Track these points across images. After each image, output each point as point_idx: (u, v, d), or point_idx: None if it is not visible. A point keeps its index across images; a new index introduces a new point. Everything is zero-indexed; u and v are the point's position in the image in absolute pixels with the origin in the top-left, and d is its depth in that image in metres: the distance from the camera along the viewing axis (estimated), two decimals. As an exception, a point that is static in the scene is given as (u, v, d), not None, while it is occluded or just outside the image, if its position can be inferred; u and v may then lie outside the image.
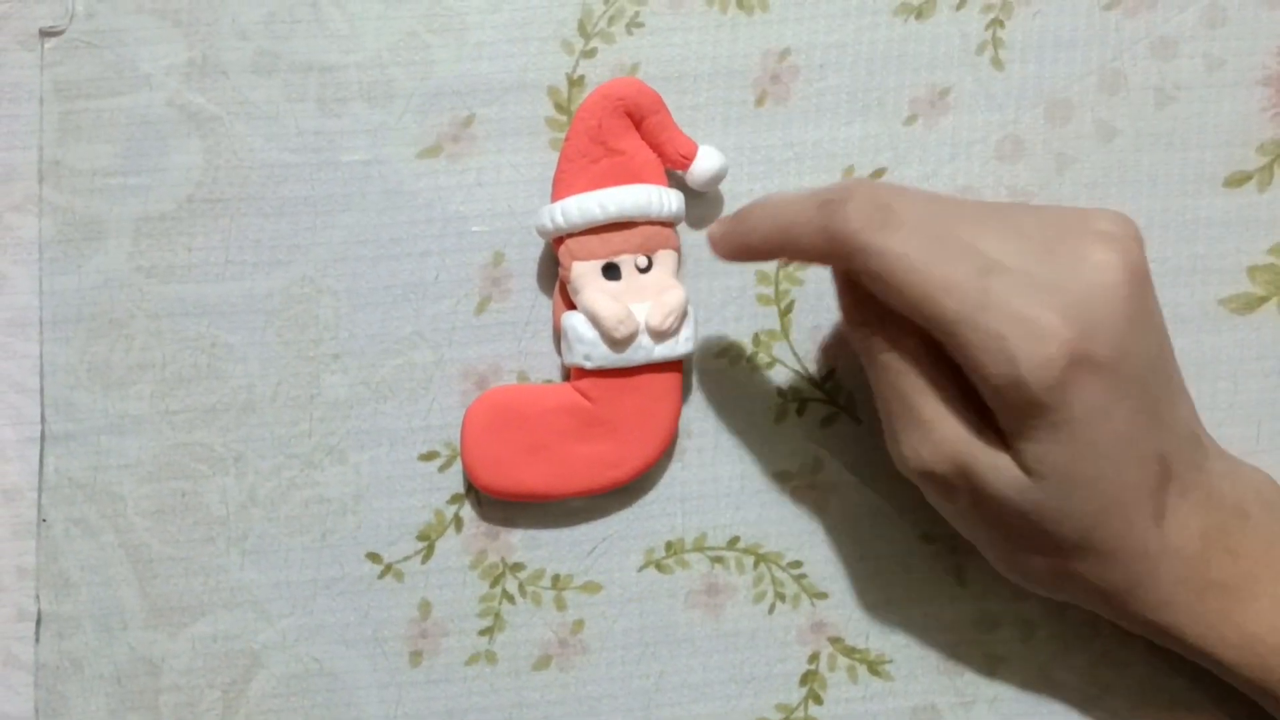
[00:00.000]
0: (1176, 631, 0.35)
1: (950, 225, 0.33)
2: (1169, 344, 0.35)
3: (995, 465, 0.34)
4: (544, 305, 0.40)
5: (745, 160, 0.40)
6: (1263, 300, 0.42)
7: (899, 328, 0.34)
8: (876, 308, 0.34)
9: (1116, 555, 0.34)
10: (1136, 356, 0.33)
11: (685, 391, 0.40)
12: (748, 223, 0.35)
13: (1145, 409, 0.33)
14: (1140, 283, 0.33)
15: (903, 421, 0.35)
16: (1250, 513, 0.35)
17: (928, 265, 0.32)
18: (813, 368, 0.41)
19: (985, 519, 0.35)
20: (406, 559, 0.40)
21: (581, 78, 0.39)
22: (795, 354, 0.41)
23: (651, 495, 0.41)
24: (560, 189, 0.38)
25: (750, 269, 0.40)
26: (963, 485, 0.34)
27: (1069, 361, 0.31)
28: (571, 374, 0.39)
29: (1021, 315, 0.31)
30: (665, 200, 0.38)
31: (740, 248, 0.35)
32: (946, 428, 0.34)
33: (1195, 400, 0.42)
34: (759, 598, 0.41)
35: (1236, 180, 0.42)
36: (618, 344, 0.38)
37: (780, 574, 0.41)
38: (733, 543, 0.41)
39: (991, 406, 0.33)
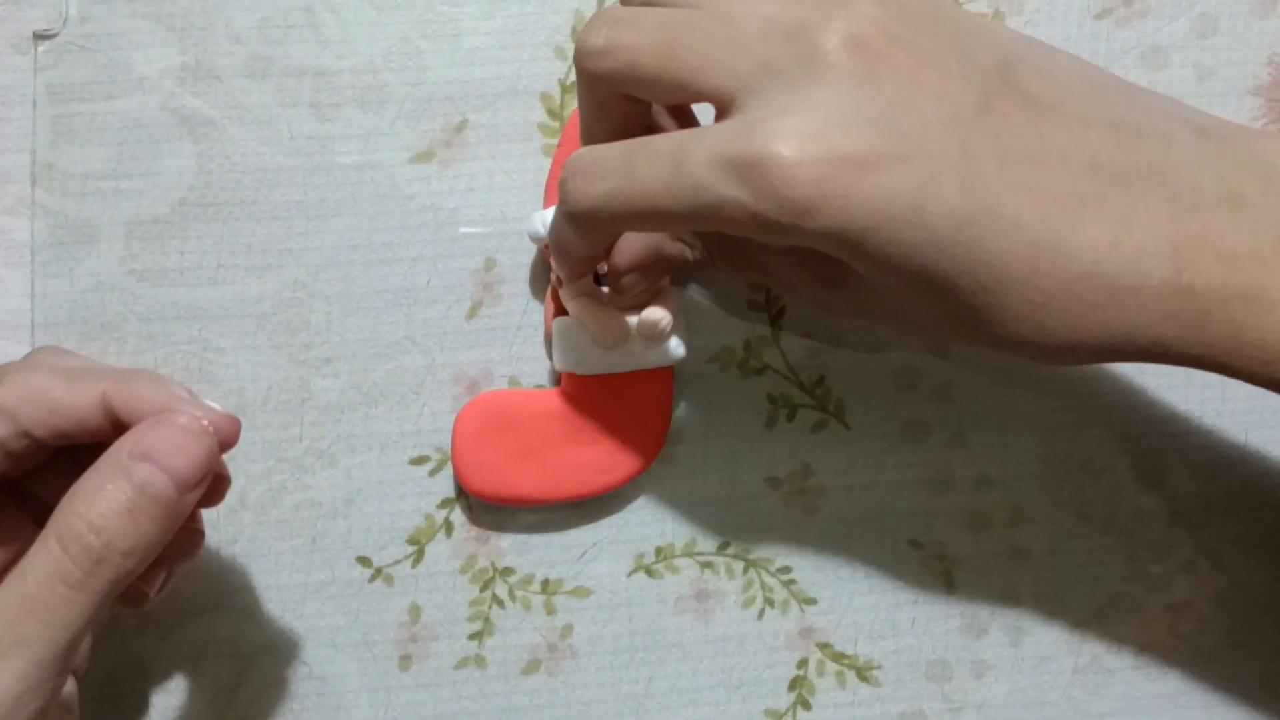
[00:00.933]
0: (1177, 357, 0.29)
1: None
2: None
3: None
4: (535, 310, 0.40)
5: (737, 167, 0.40)
6: (1251, 309, 0.42)
7: None
8: None
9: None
10: (942, 62, 0.28)
11: (675, 397, 0.40)
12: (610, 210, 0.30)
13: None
14: (880, 58, 0.28)
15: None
16: (1245, 197, 0.29)
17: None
18: (803, 374, 0.41)
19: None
20: (396, 563, 0.40)
21: (574, 84, 0.39)
22: (785, 360, 0.41)
23: (641, 500, 0.41)
24: (552, 195, 0.38)
25: (741, 276, 0.41)
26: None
27: (816, 171, 0.26)
28: (562, 379, 0.39)
29: (761, 135, 0.27)
30: (657, 207, 0.38)
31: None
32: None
33: (1184, 410, 0.42)
34: (748, 603, 0.41)
35: (1226, 190, 0.42)
36: (608, 349, 0.38)
37: (769, 579, 0.41)
38: (722, 548, 0.41)
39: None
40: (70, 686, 0.34)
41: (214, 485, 0.32)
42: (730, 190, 0.27)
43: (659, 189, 0.28)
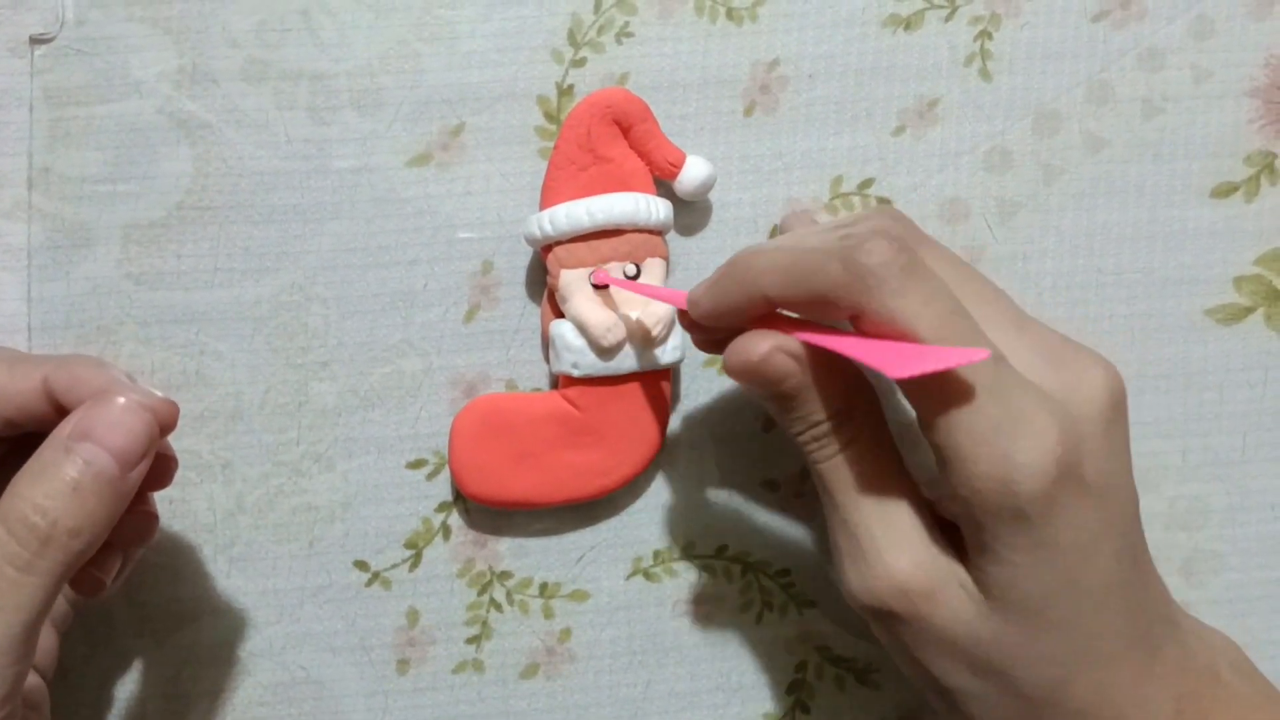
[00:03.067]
0: None
1: (966, 297, 0.31)
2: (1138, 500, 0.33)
3: (952, 588, 0.31)
4: (532, 313, 0.40)
5: (734, 170, 0.40)
6: (1249, 311, 0.42)
7: (858, 427, 0.32)
8: (843, 398, 0.32)
9: (1086, 714, 0.31)
10: (1121, 491, 0.31)
11: (673, 400, 0.40)
12: (751, 268, 0.32)
13: (1129, 552, 0.31)
14: (1124, 419, 0.32)
15: (848, 548, 0.32)
16: (1222, 676, 0.33)
17: (942, 333, 0.29)
18: (801, 377, 0.41)
19: (937, 654, 0.31)
20: (394, 567, 0.40)
21: (571, 87, 0.39)
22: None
23: (639, 504, 0.41)
24: (549, 197, 0.38)
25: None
26: (911, 614, 0.31)
27: (1061, 472, 0.29)
28: (560, 382, 0.39)
29: (1023, 411, 0.29)
30: (653, 208, 0.38)
31: (734, 301, 0.33)
32: (898, 552, 0.31)
33: (1182, 411, 0.42)
34: (746, 606, 0.41)
35: (1223, 191, 0.42)
36: (605, 352, 0.38)
37: (768, 583, 0.41)
38: (720, 551, 0.41)
39: (959, 516, 0.31)
40: (38, 684, 0.34)
41: (160, 467, 0.32)
42: None
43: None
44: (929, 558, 0.31)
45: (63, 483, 0.29)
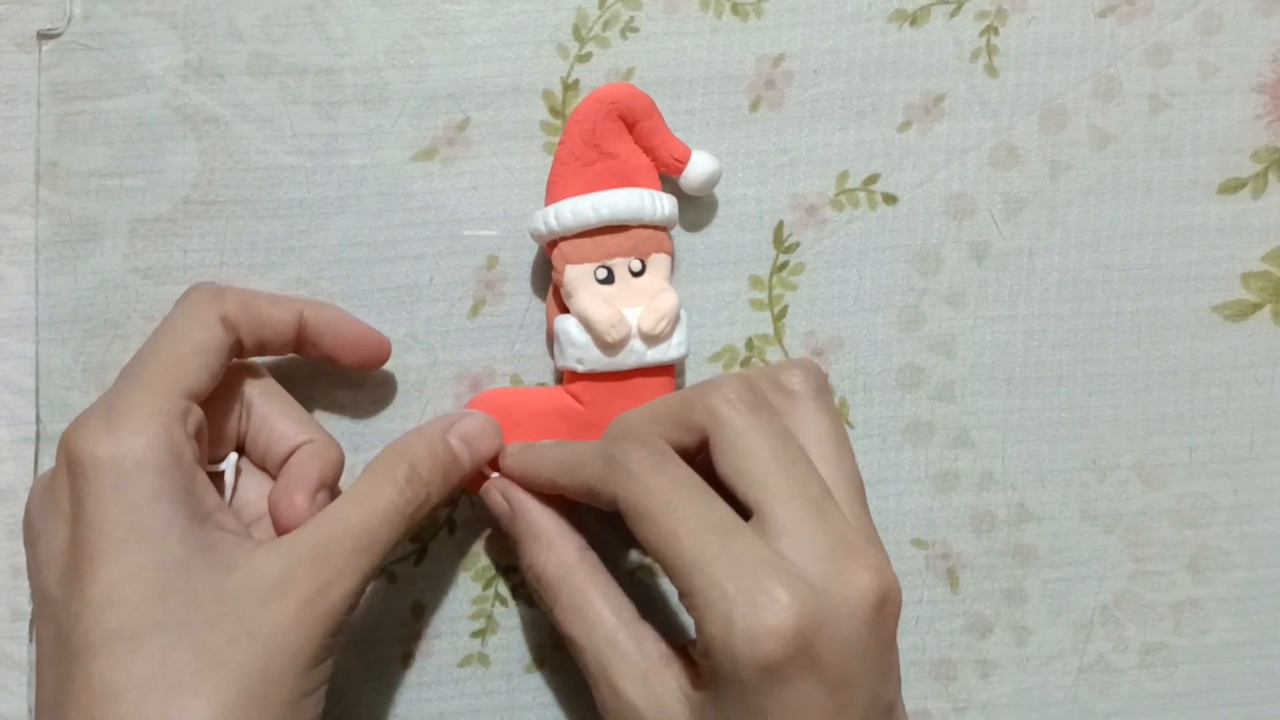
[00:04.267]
0: None
1: (790, 474, 0.32)
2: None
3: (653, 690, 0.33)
4: (538, 308, 0.40)
5: (739, 165, 0.40)
6: (1256, 307, 0.42)
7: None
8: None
9: None
10: (864, 692, 0.31)
11: (678, 395, 0.40)
12: (540, 460, 0.37)
13: None
14: (888, 627, 0.32)
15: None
16: None
17: (678, 510, 0.32)
18: (806, 372, 0.41)
19: None
20: (399, 560, 0.40)
21: (576, 82, 0.39)
22: (788, 358, 0.41)
23: (644, 499, 0.41)
24: (554, 192, 0.38)
25: (743, 273, 0.40)
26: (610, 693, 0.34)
27: (787, 652, 0.29)
28: (564, 377, 0.39)
29: (756, 581, 0.30)
30: (658, 204, 0.38)
31: (535, 478, 0.37)
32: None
33: (1189, 408, 0.42)
34: (751, 602, 0.41)
35: (1231, 187, 0.42)
36: (610, 348, 0.38)
37: (772, 578, 0.41)
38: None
39: (700, 665, 0.32)
40: None
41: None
42: None
43: None
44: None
45: (442, 463, 0.36)
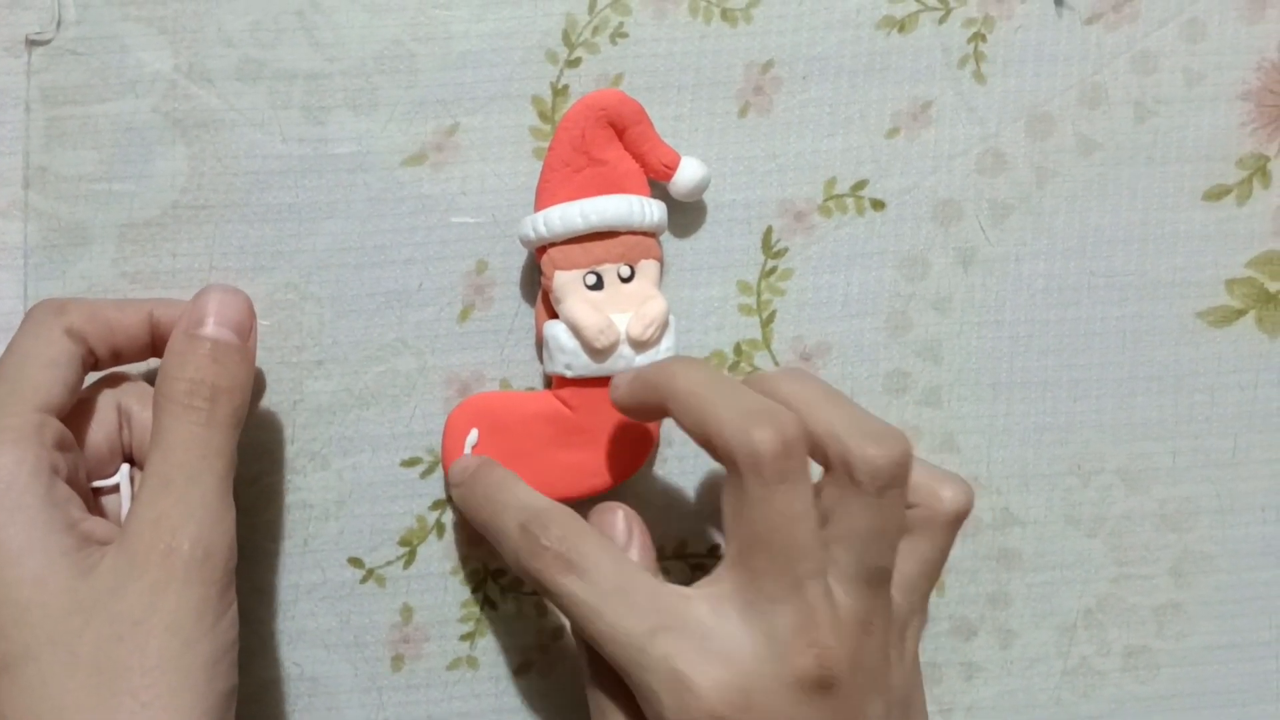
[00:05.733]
0: None
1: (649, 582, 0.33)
2: None
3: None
4: (527, 313, 0.40)
5: (728, 171, 0.40)
6: (1240, 313, 0.42)
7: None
8: None
9: None
10: None
11: (666, 400, 0.40)
12: (472, 498, 0.37)
13: None
14: (828, 706, 0.31)
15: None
16: None
17: (599, 614, 0.32)
18: (793, 377, 0.41)
19: None
20: (388, 564, 0.40)
21: (566, 87, 0.39)
22: (776, 363, 0.41)
23: (632, 503, 0.40)
24: (543, 198, 0.39)
25: (732, 278, 0.41)
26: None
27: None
28: (553, 382, 0.39)
29: (676, 674, 0.31)
30: (647, 210, 0.38)
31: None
32: None
33: (1173, 413, 0.42)
34: (738, 605, 0.41)
35: (1216, 194, 0.42)
36: (599, 353, 0.38)
37: (760, 582, 0.41)
38: (713, 551, 0.41)
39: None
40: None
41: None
42: None
43: None
44: None
45: (201, 356, 0.33)
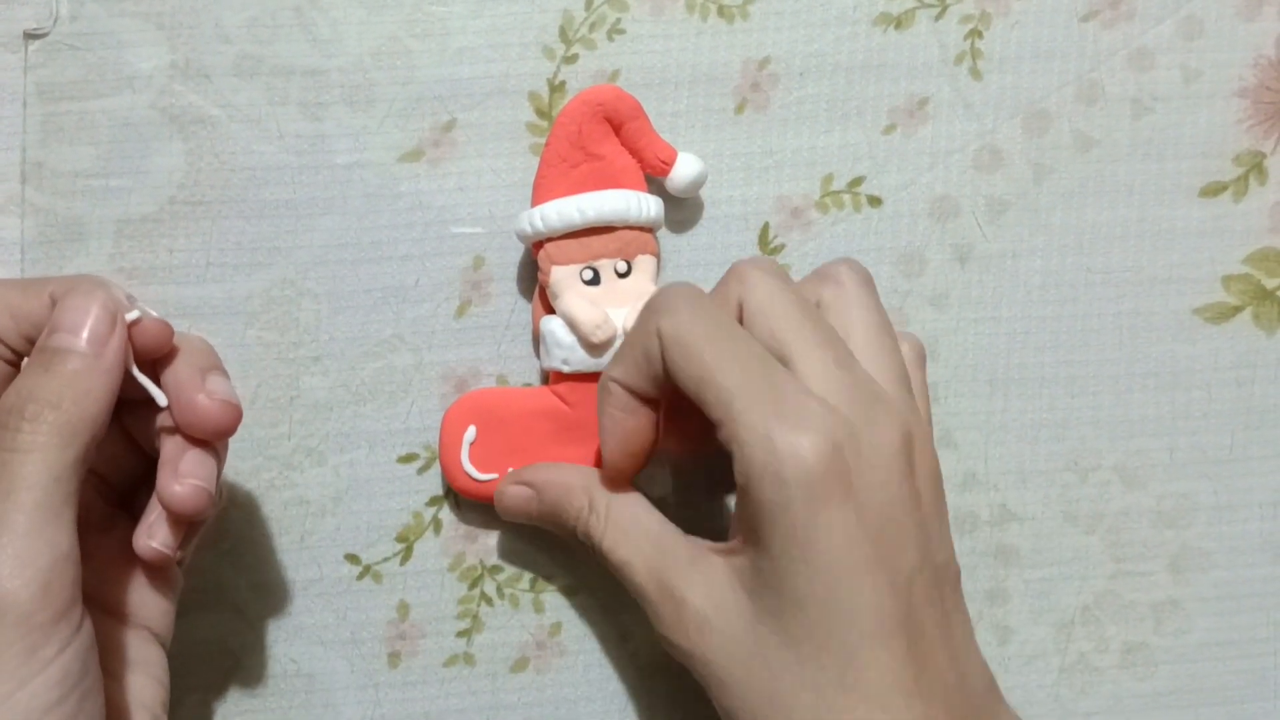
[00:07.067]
0: None
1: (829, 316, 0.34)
2: (946, 588, 0.33)
3: (713, 573, 0.33)
4: (524, 309, 0.40)
5: (725, 167, 0.40)
6: (1237, 310, 0.42)
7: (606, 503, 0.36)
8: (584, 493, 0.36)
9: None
10: (896, 536, 0.31)
11: (663, 396, 0.40)
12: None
13: (904, 600, 0.31)
14: (909, 467, 0.32)
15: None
16: None
17: (719, 342, 0.32)
18: (790, 373, 0.41)
19: (697, 635, 0.33)
20: (385, 560, 0.40)
21: (563, 83, 0.40)
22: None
23: (629, 499, 0.41)
24: (540, 194, 0.39)
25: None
26: (666, 600, 0.34)
27: (826, 469, 0.30)
28: (550, 378, 0.39)
29: (794, 404, 0.31)
30: (644, 205, 0.38)
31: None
32: (656, 536, 0.35)
33: (1170, 410, 0.42)
34: (735, 602, 0.41)
35: (1212, 190, 0.42)
36: (595, 349, 0.38)
37: (757, 578, 0.41)
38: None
39: (742, 517, 0.32)
40: (158, 656, 0.34)
41: (153, 331, 0.33)
42: None
43: None
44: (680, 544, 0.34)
45: (35, 368, 0.31)
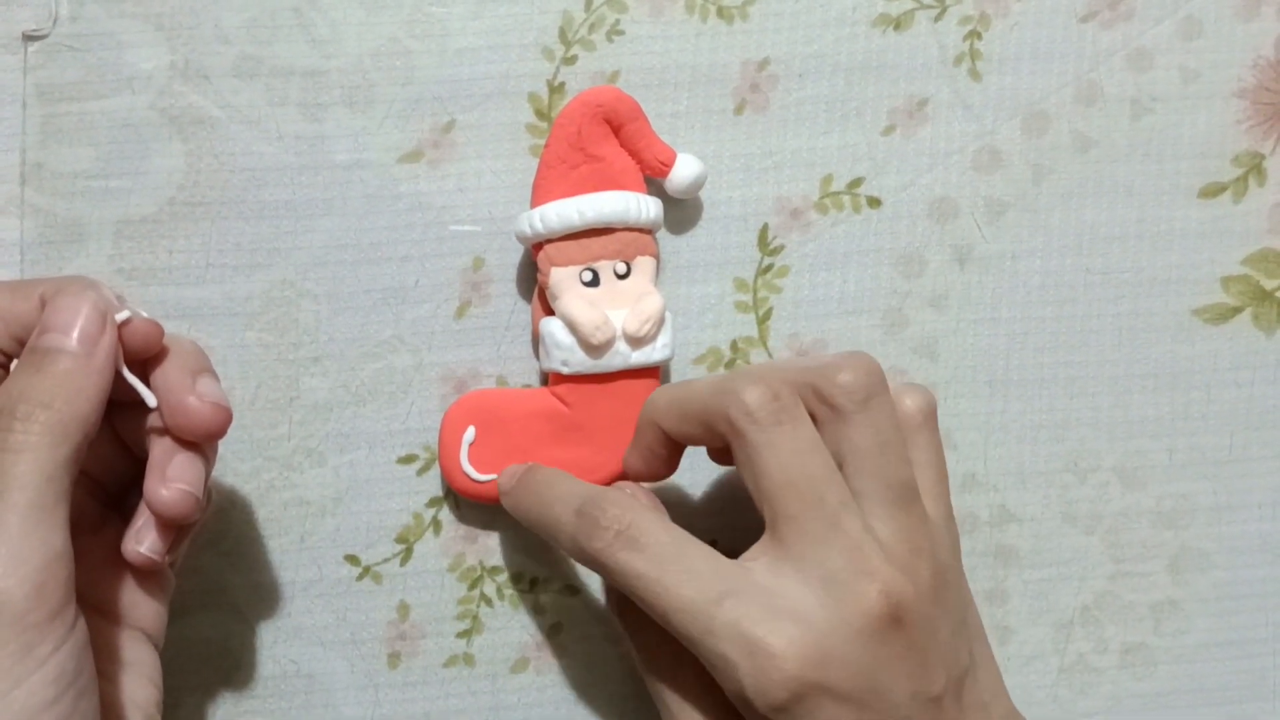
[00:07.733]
0: None
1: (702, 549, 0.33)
2: (958, 679, 0.33)
3: None
4: (523, 310, 0.40)
5: (724, 168, 0.40)
6: (1236, 311, 0.42)
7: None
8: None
9: None
10: (893, 694, 0.31)
11: (663, 397, 0.40)
12: (523, 498, 0.36)
13: None
14: (904, 636, 0.32)
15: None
16: None
17: (664, 586, 0.32)
18: (790, 374, 0.41)
19: None
20: (385, 561, 0.40)
21: (562, 85, 0.40)
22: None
23: (628, 500, 0.41)
24: (539, 195, 0.39)
25: (728, 276, 0.41)
26: None
27: (797, 691, 0.30)
28: (550, 379, 0.39)
29: (748, 638, 0.31)
30: (644, 207, 0.38)
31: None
32: None
33: (1169, 411, 0.42)
34: (735, 602, 0.41)
35: (1211, 191, 0.42)
36: (595, 350, 0.38)
37: (756, 579, 0.41)
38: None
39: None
40: (150, 657, 0.34)
41: (144, 331, 0.33)
42: None
43: None
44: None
45: (26, 369, 0.31)
